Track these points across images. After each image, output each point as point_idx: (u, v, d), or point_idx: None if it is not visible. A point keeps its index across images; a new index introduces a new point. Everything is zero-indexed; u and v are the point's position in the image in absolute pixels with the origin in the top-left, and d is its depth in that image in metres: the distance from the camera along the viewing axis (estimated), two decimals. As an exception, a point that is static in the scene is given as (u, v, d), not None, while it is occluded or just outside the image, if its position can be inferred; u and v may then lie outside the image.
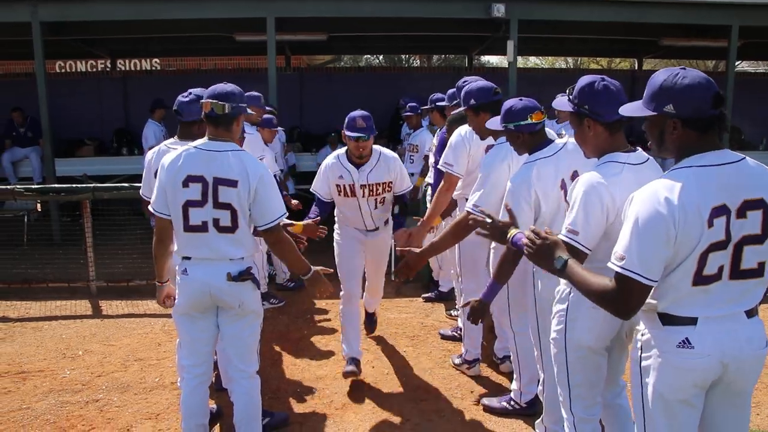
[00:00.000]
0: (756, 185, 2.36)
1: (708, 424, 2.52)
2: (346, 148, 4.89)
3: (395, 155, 5.05)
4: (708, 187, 2.31)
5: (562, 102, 3.19)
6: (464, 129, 4.90)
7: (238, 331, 3.67)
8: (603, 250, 2.70)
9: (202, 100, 3.57)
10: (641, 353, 2.50)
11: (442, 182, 5.04)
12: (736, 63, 11.55)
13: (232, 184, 3.44)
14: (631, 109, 2.56)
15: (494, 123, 3.94)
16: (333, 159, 4.92)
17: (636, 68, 16.83)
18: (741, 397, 2.52)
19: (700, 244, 2.31)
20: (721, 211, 2.31)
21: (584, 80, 3.03)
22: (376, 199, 4.94)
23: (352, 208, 5.00)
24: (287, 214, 3.71)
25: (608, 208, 2.81)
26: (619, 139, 2.98)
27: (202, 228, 3.49)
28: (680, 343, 2.38)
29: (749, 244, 2.35)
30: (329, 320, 6.47)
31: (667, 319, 2.41)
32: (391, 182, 4.94)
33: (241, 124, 3.70)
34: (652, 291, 2.39)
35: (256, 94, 6.96)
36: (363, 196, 4.88)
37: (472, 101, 4.49)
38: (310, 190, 5.05)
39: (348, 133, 4.71)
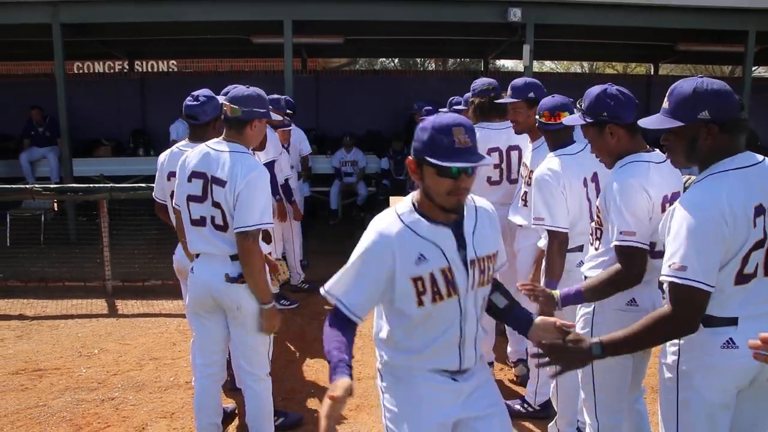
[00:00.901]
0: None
1: (736, 425, 2.51)
2: (411, 198, 2.42)
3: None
4: (748, 188, 2.36)
5: (573, 119, 3.24)
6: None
7: (241, 334, 3.69)
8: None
9: (223, 101, 3.64)
10: (679, 357, 2.48)
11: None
12: (753, 68, 11.47)
13: (222, 183, 3.50)
14: (654, 122, 2.52)
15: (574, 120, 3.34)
16: (390, 223, 2.37)
17: (652, 73, 16.75)
18: None
19: (746, 244, 2.34)
20: (760, 210, 2.36)
21: (594, 91, 3.06)
22: (484, 294, 2.50)
23: (445, 323, 2.40)
24: (264, 225, 3.56)
25: (647, 200, 2.88)
26: (640, 141, 3.02)
27: (201, 222, 3.58)
28: (724, 344, 2.38)
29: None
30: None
31: (707, 321, 2.40)
32: (497, 253, 2.54)
33: (257, 128, 3.66)
34: None
35: (275, 96, 7.01)
36: (470, 288, 2.38)
37: (531, 94, 4.45)
38: (325, 292, 2.50)
39: (436, 161, 2.21)
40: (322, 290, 2.49)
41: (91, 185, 8.00)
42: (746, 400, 2.49)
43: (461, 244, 2.37)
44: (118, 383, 5.02)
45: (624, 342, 2.47)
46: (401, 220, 2.37)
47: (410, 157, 2.32)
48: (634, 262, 2.86)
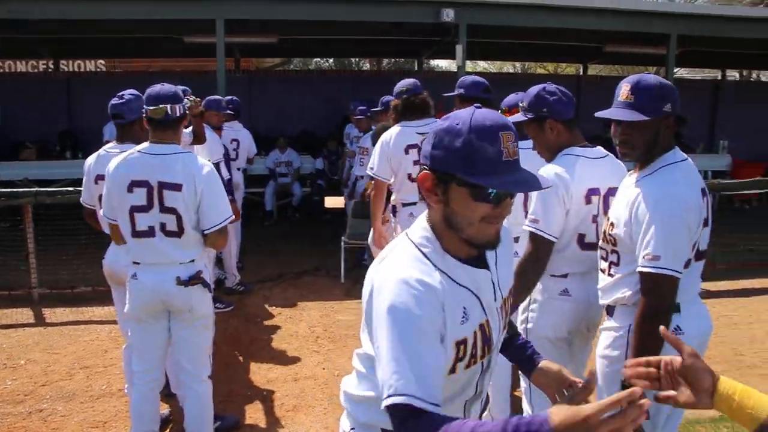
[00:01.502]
0: (700, 177, 2.65)
1: None
2: (426, 225, 1.74)
3: None
4: (693, 177, 2.56)
5: (515, 117, 3.32)
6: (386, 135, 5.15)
7: (189, 336, 3.63)
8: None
9: (147, 106, 3.50)
10: (627, 350, 2.56)
11: (375, 189, 5.25)
12: (675, 69, 11.90)
13: (177, 188, 3.41)
14: (621, 114, 2.57)
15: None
16: (423, 268, 1.64)
17: (581, 73, 17.20)
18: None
19: (700, 228, 2.50)
20: (703, 193, 2.55)
21: (534, 89, 3.17)
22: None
23: (465, 385, 1.81)
24: (233, 217, 3.68)
25: (563, 196, 2.95)
26: (576, 135, 3.14)
27: (149, 233, 3.45)
28: (673, 331, 2.47)
29: (704, 227, 2.55)
30: (280, 324, 6.44)
31: None
32: None
33: (184, 125, 3.69)
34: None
35: (216, 97, 6.93)
36: (501, 331, 1.88)
37: (461, 91, 4.65)
38: (392, 403, 1.50)
39: (478, 180, 1.58)
40: (388, 402, 1.50)
41: (15, 189, 7.71)
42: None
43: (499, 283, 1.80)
44: (46, 394, 4.85)
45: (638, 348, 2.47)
46: (432, 263, 1.66)
47: (426, 171, 1.65)
48: (536, 247, 2.98)
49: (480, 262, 1.74)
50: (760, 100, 15.37)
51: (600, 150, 3.14)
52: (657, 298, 2.41)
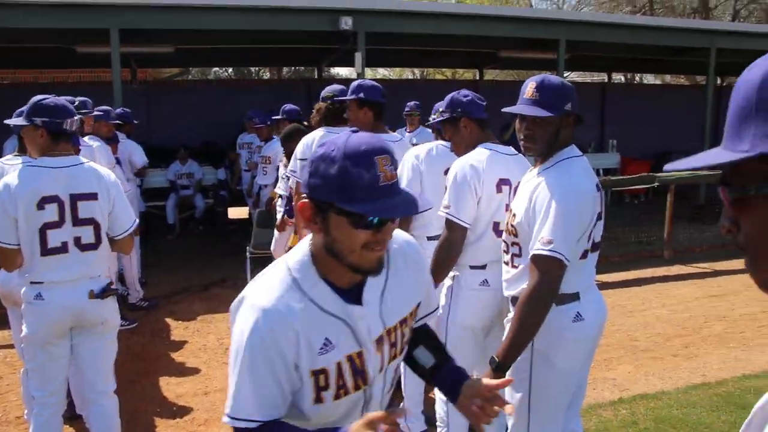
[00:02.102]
0: (593, 173, 2.85)
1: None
2: (307, 252, 1.72)
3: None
4: (583, 172, 2.72)
5: (434, 120, 3.82)
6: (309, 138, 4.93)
7: (99, 349, 3.55)
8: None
9: (37, 119, 3.35)
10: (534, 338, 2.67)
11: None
12: (565, 73, 12.46)
13: (92, 197, 3.35)
14: (527, 109, 2.71)
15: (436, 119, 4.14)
16: (286, 291, 1.65)
17: (478, 78, 17.71)
18: (593, 354, 2.94)
19: (593, 220, 2.66)
20: (598, 188, 2.76)
21: (451, 95, 3.56)
22: (395, 366, 1.93)
23: (343, 415, 1.80)
24: (137, 221, 3.69)
25: (475, 184, 3.21)
26: (489, 134, 3.48)
27: (62, 249, 3.33)
28: (574, 317, 2.66)
29: (598, 221, 2.75)
30: (187, 338, 6.35)
31: (558, 299, 2.64)
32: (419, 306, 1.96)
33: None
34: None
35: (105, 108, 6.76)
36: (381, 370, 1.82)
37: (361, 94, 4.48)
38: (231, 421, 1.67)
39: (353, 208, 1.54)
40: (225, 420, 1.67)
41: None
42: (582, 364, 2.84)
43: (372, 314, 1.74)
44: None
45: (511, 341, 2.58)
46: (301, 289, 1.66)
47: (304, 200, 1.61)
48: (450, 232, 3.24)
49: (356, 295, 1.71)
50: (645, 101, 16.35)
51: (511, 149, 3.41)
52: (545, 279, 2.52)
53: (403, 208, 1.59)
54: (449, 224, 3.23)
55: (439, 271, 3.21)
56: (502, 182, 3.24)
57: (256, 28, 10.06)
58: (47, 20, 8.97)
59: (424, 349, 2.00)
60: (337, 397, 1.71)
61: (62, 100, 3.48)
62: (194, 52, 13.30)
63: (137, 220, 3.61)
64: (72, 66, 14.46)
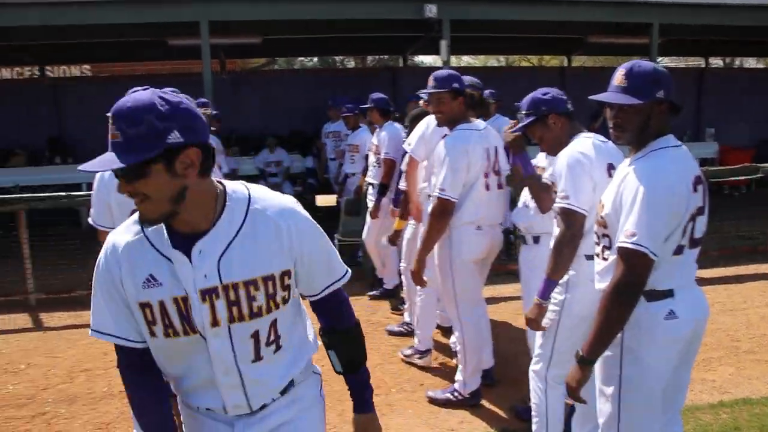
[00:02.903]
0: (695, 164, 2.68)
1: (672, 384, 2.69)
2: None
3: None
4: (685, 163, 2.61)
5: (520, 124, 3.68)
6: (430, 118, 4.95)
7: None
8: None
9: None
10: (623, 333, 2.59)
11: (407, 168, 5.25)
12: (658, 59, 12.01)
13: None
14: (613, 97, 2.63)
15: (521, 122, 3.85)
16: (127, 226, 1.91)
17: (565, 65, 17.31)
18: (694, 356, 2.78)
19: (686, 215, 2.53)
20: (697, 181, 2.59)
21: (529, 97, 3.60)
22: (254, 329, 1.93)
23: (190, 362, 1.93)
24: None
25: (590, 171, 3.23)
26: (578, 126, 3.51)
27: None
28: (667, 315, 2.56)
29: (699, 215, 2.60)
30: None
31: (648, 295, 2.56)
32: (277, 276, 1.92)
33: None
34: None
35: (203, 100, 6.97)
36: (212, 325, 1.86)
37: (456, 84, 4.41)
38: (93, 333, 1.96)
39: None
40: (90, 332, 1.94)
41: (7, 196, 7.72)
42: (680, 364, 2.68)
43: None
44: (48, 397, 4.90)
45: (595, 336, 2.55)
46: (141, 226, 1.84)
47: None
48: (569, 222, 3.20)
49: (186, 244, 1.80)
50: (745, 87, 15.53)
51: (600, 137, 3.40)
52: (629, 272, 2.45)
53: (100, 163, 1.66)
54: (568, 214, 3.19)
55: (561, 264, 3.22)
56: (610, 167, 3.19)
57: (342, 18, 10.13)
58: (141, 15, 9.33)
59: (334, 355, 2.14)
60: (167, 335, 1.83)
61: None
62: (281, 42, 13.52)
63: None
64: (164, 58, 14.97)
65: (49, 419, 4.57)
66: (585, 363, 2.57)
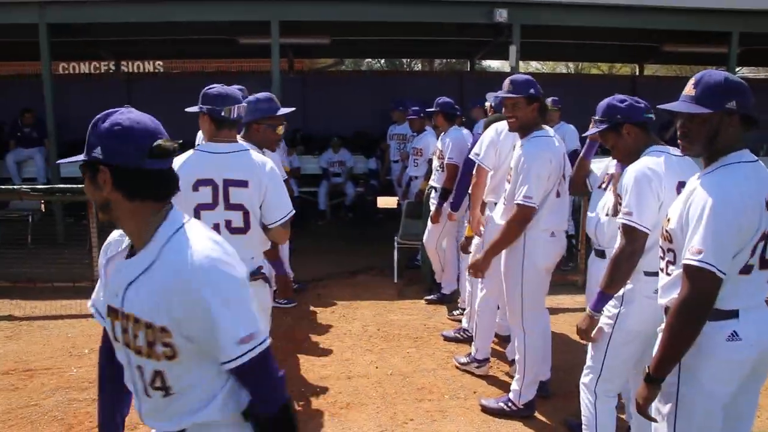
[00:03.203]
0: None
1: (733, 410, 2.58)
2: None
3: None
4: (759, 180, 2.48)
5: (592, 129, 3.59)
6: (500, 125, 4.94)
7: None
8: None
9: (204, 107, 3.56)
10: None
11: (474, 177, 5.14)
12: (737, 69, 11.59)
13: (243, 184, 3.46)
14: (682, 106, 2.55)
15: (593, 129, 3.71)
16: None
17: (637, 74, 16.90)
18: (761, 379, 2.64)
19: (757, 234, 2.43)
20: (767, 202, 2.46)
21: (604, 102, 3.47)
22: (148, 367, 1.91)
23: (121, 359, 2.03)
24: (294, 211, 3.66)
25: (657, 188, 3.12)
26: (652, 136, 3.36)
27: (214, 230, 3.49)
28: (729, 336, 2.45)
29: None
30: (333, 322, 6.53)
31: (712, 314, 2.45)
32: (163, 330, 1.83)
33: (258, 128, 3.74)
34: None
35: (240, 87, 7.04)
36: (120, 342, 1.95)
37: (532, 90, 4.34)
38: None
39: None
40: None
41: (80, 185, 7.97)
42: (746, 388, 2.57)
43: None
44: (109, 383, 5.02)
45: (662, 354, 2.49)
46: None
47: None
48: (631, 239, 3.11)
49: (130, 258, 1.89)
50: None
51: (676, 150, 3.16)
52: (695, 290, 2.37)
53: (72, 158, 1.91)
54: (630, 231, 3.11)
55: (617, 278, 3.17)
56: (680, 185, 3.05)
57: (411, 20, 10.11)
58: (214, 14, 9.53)
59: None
60: (114, 337, 1.94)
61: (227, 89, 3.62)
62: (349, 44, 13.61)
63: (292, 211, 3.60)
64: (234, 56, 15.26)
65: (108, 405, 4.67)
66: (652, 381, 2.50)
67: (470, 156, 5.24)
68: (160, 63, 19.26)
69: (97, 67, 18.80)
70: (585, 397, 3.54)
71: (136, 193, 1.83)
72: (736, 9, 10.11)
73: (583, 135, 3.78)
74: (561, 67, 27.73)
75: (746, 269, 2.44)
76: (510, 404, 4.53)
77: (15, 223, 9.74)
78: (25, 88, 11.62)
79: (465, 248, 5.55)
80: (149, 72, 19.01)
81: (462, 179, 6.00)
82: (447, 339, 5.98)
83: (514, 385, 4.56)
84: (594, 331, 3.33)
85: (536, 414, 4.52)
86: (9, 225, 9.65)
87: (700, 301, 2.38)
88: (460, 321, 6.13)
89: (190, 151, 3.59)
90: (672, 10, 10.11)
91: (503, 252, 4.47)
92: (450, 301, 6.90)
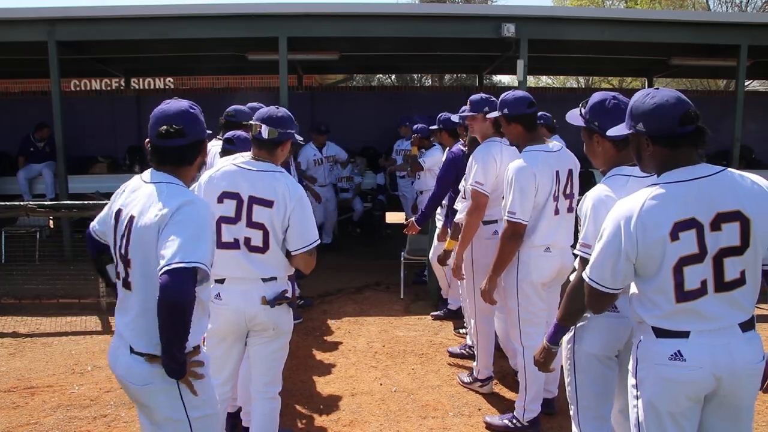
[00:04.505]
0: (731, 197, 2.40)
1: None
2: None
3: None
4: (673, 202, 2.38)
5: (573, 115, 3.29)
6: (494, 146, 4.88)
7: (269, 353, 3.64)
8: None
9: (251, 121, 3.59)
10: (637, 364, 2.54)
11: (472, 203, 4.86)
12: (746, 82, 11.51)
13: (268, 204, 3.43)
14: (616, 130, 2.69)
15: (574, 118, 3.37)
16: None
17: (647, 88, 16.82)
18: (738, 412, 2.51)
19: (666, 258, 2.37)
20: (688, 224, 2.37)
21: (596, 97, 3.15)
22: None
23: None
24: (318, 241, 3.59)
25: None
26: (626, 155, 2.96)
27: (234, 245, 3.46)
28: (672, 355, 2.41)
29: (729, 256, 2.39)
30: (338, 338, 6.47)
31: (660, 332, 2.46)
32: None
33: (287, 149, 3.68)
34: (638, 303, 2.52)
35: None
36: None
37: (505, 110, 4.35)
38: None
39: None
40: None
41: (86, 202, 7.99)
42: (713, 415, 2.50)
43: None
44: (110, 400, 4.99)
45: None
46: None
47: None
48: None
49: None
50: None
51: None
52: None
53: None
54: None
55: (571, 313, 2.96)
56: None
57: (419, 36, 10.11)
58: (222, 30, 9.60)
59: None
60: None
61: (276, 111, 3.63)
62: (358, 59, 13.64)
63: (317, 241, 3.51)
64: (243, 73, 15.32)
65: (109, 422, 4.65)
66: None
67: (473, 186, 5.02)
68: (171, 79, 19.37)
69: (108, 83, 18.93)
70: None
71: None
72: (744, 22, 10.10)
73: (566, 117, 3.61)
74: (571, 82, 27.69)
75: (687, 296, 2.39)
76: (515, 421, 4.46)
77: (23, 239, 9.76)
78: (35, 105, 11.71)
79: (442, 261, 5.50)
80: (159, 88, 19.10)
81: (438, 195, 6.08)
82: (453, 355, 5.91)
83: (518, 402, 4.49)
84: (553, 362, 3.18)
85: (541, 432, 4.44)
86: (17, 241, 9.67)
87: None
88: (466, 337, 6.06)
89: (229, 164, 3.59)
90: (680, 23, 10.09)
91: None
92: (456, 317, 6.83)
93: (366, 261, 9.74)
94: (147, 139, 2.88)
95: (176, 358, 2.48)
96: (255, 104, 3.77)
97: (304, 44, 10.32)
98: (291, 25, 9.47)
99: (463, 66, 16.49)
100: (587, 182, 4.31)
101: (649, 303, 2.46)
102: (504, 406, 4.88)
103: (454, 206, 5.36)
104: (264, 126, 3.53)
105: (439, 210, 6.78)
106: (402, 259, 7.83)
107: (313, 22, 9.65)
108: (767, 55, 11.20)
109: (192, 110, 2.77)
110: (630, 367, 2.58)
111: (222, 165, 3.61)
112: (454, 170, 5.73)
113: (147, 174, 2.79)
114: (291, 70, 10.61)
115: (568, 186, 4.32)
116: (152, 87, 19.36)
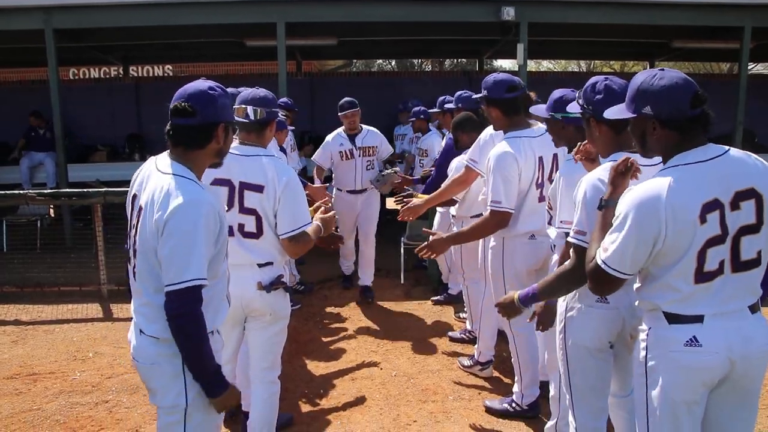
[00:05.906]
0: (744, 175, 2.35)
1: (713, 424, 2.48)
2: None
3: None
4: (697, 184, 2.32)
5: (539, 109, 3.42)
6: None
7: (267, 338, 3.63)
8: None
9: (235, 105, 3.50)
10: (647, 353, 2.45)
11: (462, 173, 4.93)
12: (750, 65, 11.43)
13: (258, 189, 3.42)
14: (615, 111, 2.57)
15: (539, 110, 3.59)
16: None
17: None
18: (747, 395, 2.48)
19: (695, 242, 2.30)
20: (713, 206, 2.30)
21: (589, 82, 3.02)
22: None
23: None
24: (311, 223, 3.58)
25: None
26: (626, 138, 2.81)
27: (229, 233, 3.44)
28: (688, 341, 2.35)
29: (746, 235, 2.35)
30: (339, 323, 6.48)
31: (673, 318, 2.38)
32: None
33: (274, 129, 3.66)
34: (652, 289, 2.42)
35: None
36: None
37: (485, 93, 4.26)
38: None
39: None
40: None
41: (85, 190, 7.98)
42: (723, 400, 2.45)
43: None
44: (112, 386, 5.01)
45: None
46: None
47: None
48: (581, 260, 2.72)
49: None
50: None
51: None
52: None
53: None
54: (581, 252, 2.73)
55: (554, 292, 2.94)
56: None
57: (418, 20, 10.06)
58: (220, 16, 9.52)
59: None
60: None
61: (257, 92, 3.61)
62: (357, 44, 13.56)
63: (306, 225, 3.48)
64: (242, 59, 15.27)
65: (111, 407, 4.66)
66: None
67: (467, 162, 4.99)
68: (169, 67, 19.31)
69: (106, 71, 18.89)
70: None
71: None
72: (747, 3, 9.96)
73: (530, 109, 3.62)
74: (572, 65, 27.58)
75: (705, 277, 2.33)
76: (514, 405, 4.46)
77: (24, 227, 9.77)
78: (33, 94, 11.69)
79: (413, 212, 5.23)
80: (158, 76, 19.05)
81: (436, 181, 6.03)
82: (453, 340, 5.92)
83: (516, 387, 4.50)
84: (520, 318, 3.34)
85: (541, 416, 4.43)
86: (18, 230, 9.68)
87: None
88: (466, 322, 6.06)
89: None
90: (682, 5, 10.00)
91: (489, 255, 4.39)
92: (457, 301, 6.82)
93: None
94: None
95: (202, 374, 2.52)
96: (233, 89, 3.67)
97: (302, 29, 10.26)
98: (289, 9, 9.41)
99: (464, 50, 16.42)
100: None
101: (666, 288, 2.38)
102: (504, 390, 4.87)
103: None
104: (250, 107, 3.51)
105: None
106: (402, 244, 7.82)
107: (312, 7, 9.59)
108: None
109: (211, 91, 2.68)
110: (638, 356, 2.50)
111: None
112: (452, 157, 5.71)
113: (162, 159, 2.74)
114: (290, 56, 10.56)
115: (553, 172, 4.15)
116: (151, 74, 19.30)
